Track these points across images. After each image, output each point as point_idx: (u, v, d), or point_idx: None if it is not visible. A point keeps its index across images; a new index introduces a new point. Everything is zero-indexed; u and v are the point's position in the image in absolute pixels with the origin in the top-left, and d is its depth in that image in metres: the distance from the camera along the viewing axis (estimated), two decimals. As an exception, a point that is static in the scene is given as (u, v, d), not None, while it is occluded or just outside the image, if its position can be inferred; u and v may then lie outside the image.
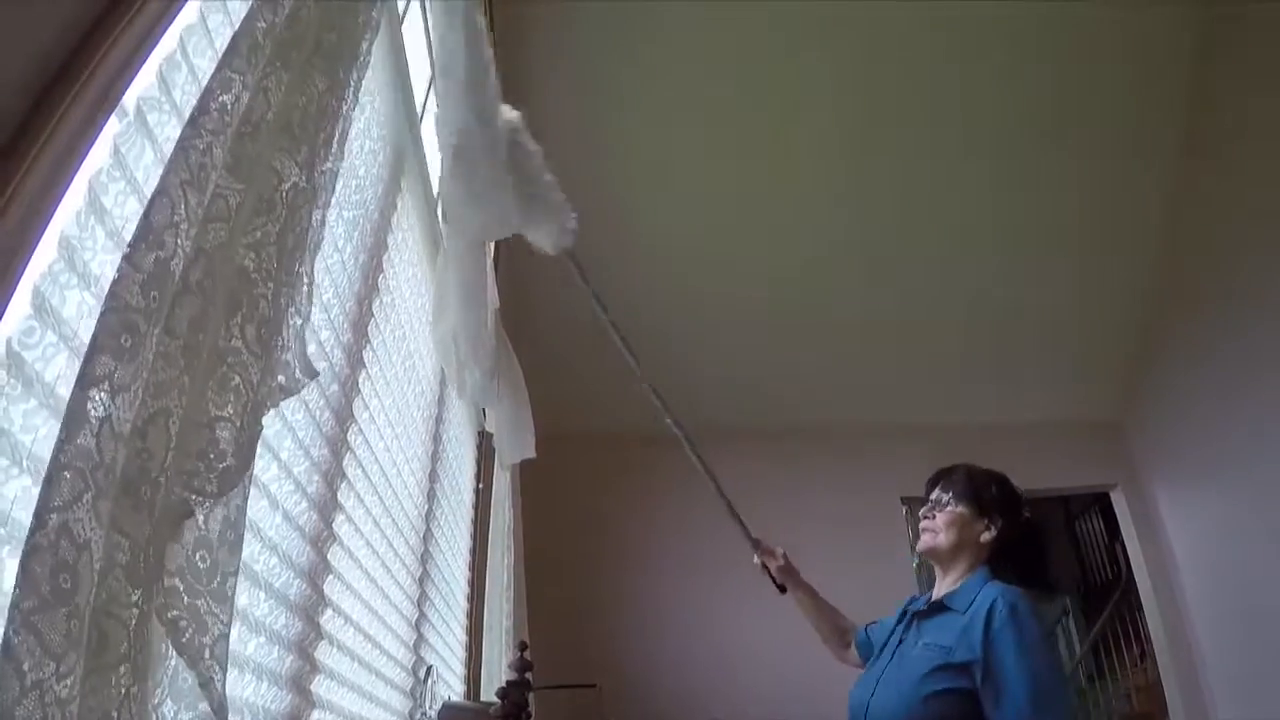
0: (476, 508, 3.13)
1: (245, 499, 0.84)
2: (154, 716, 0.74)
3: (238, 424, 0.79)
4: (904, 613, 2.21)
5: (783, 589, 2.62)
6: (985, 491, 2.11)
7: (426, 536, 2.30)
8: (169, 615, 0.74)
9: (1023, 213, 5.07)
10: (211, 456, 0.76)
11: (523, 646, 2.21)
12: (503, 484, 2.82)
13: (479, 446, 3.24)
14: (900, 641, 2.11)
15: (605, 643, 4.41)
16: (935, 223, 5.03)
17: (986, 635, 1.83)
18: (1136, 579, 6.04)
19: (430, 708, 0.91)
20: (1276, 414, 4.90)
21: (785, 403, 5.57)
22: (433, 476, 2.38)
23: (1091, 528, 9.87)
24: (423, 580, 2.24)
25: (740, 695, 4.57)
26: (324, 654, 1.50)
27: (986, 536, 2.08)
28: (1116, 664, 8.28)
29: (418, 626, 2.17)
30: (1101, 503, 8.51)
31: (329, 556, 1.50)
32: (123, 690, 0.64)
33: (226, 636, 0.78)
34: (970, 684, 1.84)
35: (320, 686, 1.49)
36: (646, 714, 4.45)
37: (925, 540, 2.14)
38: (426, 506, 2.31)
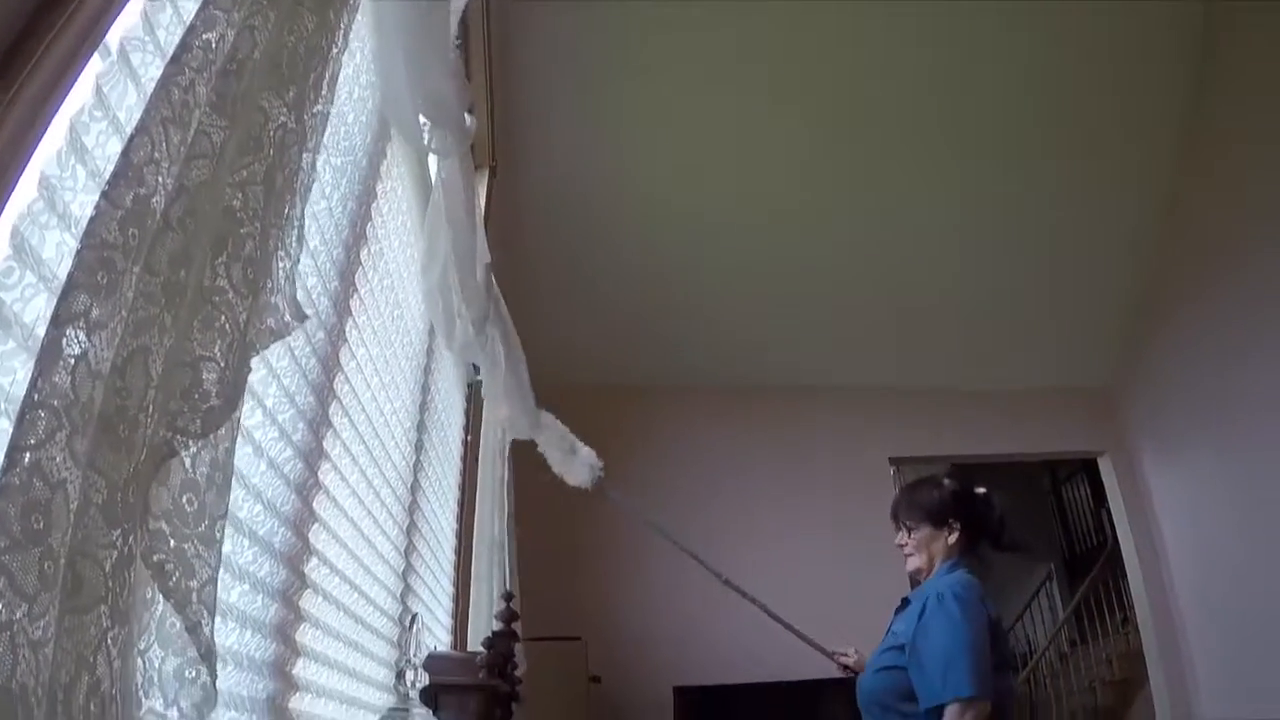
0: (465, 460, 3.13)
1: (234, 442, 0.83)
2: (140, 661, 0.74)
3: (223, 364, 0.78)
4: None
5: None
6: (934, 505, 2.44)
7: (414, 487, 2.29)
8: (155, 559, 0.73)
9: (1021, 180, 5.04)
10: (196, 396, 0.75)
11: (508, 597, 2.21)
12: (492, 437, 2.81)
13: (468, 399, 3.23)
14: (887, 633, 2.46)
15: (591, 597, 4.44)
16: (931, 188, 5.00)
17: (919, 621, 2.20)
18: (1121, 546, 6.10)
19: (415, 655, 0.90)
20: (1268, 387, 4.91)
21: (776, 363, 5.58)
22: (421, 427, 2.38)
23: (1077, 494, 9.95)
24: (410, 531, 2.24)
25: (724, 650, 4.61)
26: (309, 603, 1.50)
27: (954, 539, 2.40)
28: (1099, 630, 8.39)
29: (405, 577, 2.17)
30: (1088, 469, 8.58)
31: (314, 505, 1.50)
32: (101, 632, 0.63)
33: (214, 581, 0.78)
34: (905, 662, 2.21)
35: (306, 636, 1.49)
36: (631, 667, 4.49)
37: (910, 564, 2.47)
38: (414, 457, 2.31)
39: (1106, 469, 6.14)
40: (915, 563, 2.44)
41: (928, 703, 2.12)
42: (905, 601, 2.45)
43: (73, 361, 0.64)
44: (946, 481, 2.51)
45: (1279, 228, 4.78)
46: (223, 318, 0.80)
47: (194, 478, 0.76)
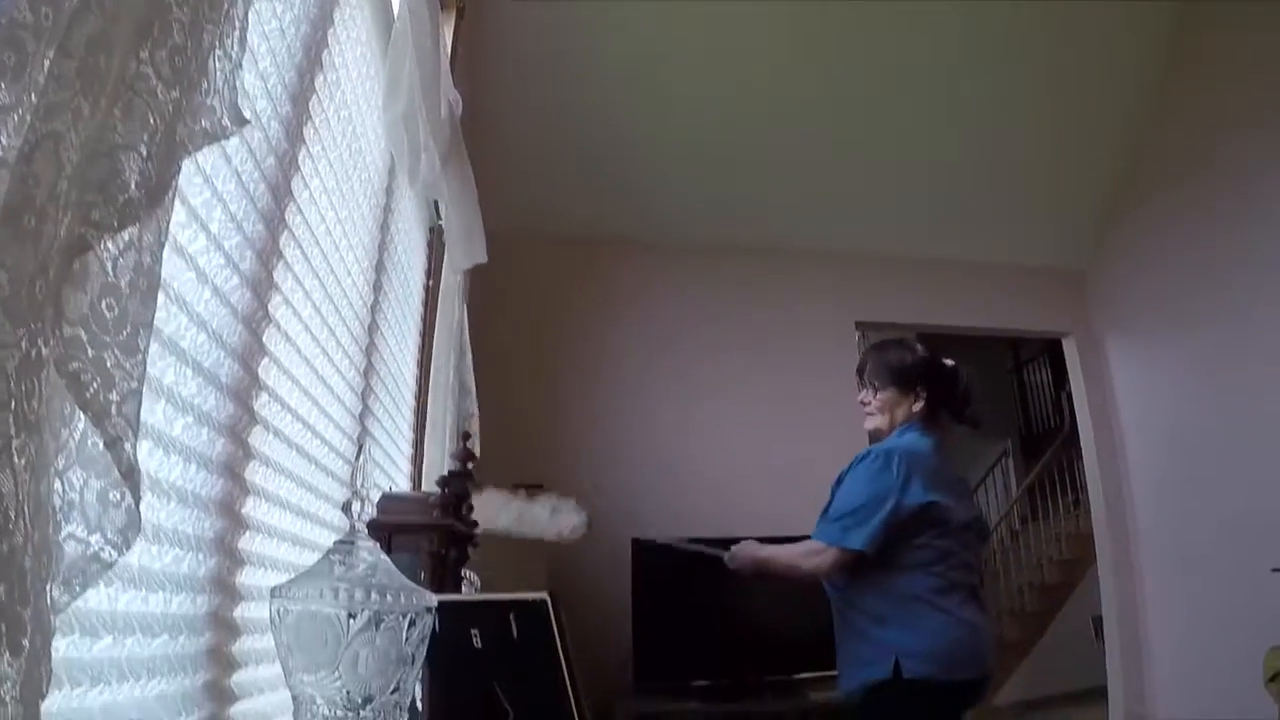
0: (426, 304, 3.06)
1: (160, 246, 0.76)
2: (59, 483, 0.68)
3: (144, 154, 0.69)
4: None
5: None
6: (903, 369, 2.46)
7: (372, 329, 2.22)
8: (70, 367, 0.66)
9: (1004, 52, 4.90)
10: (113, 188, 0.67)
11: (465, 437, 2.19)
12: (452, 281, 2.74)
13: (430, 243, 3.14)
14: None
15: (549, 447, 4.45)
16: (911, 53, 4.84)
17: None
18: (1079, 429, 6.21)
19: (362, 486, 0.86)
20: (1237, 279, 4.95)
21: (743, 224, 5.48)
22: (379, 268, 2.29)
23: (1039, 377, 10.11)
24: (367, 373, 2.18)
25: (684, 504, 4.66)
26: (260, 441, 1.45)
27: (918, 406, 2.44)
28: (1050, 510, 8.65)
29: (361, 420, 2.14)
30: (1051, 354, 8.70)
31: (264, 339, 1.43)
32: (4, 441, 0.57)
33: (138, 394, 0.71)
34: None
35: (256, 474, 1.44)
36: (591, 513, 4.55)
37: (868, 423, 2.52)
38: (373, 298, 2.23)
39: (1070, 351, 6.20)
40: (875, 422, 2.48)
41: (819, 538, 2.25)
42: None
43: (-27, 149, 0.57)
44: (919, 348, 2.52)
45: (1260, 119, 4.78)
46: (145, 106, 0.72)
47: (114, 282, 0.69)
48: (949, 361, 2.57)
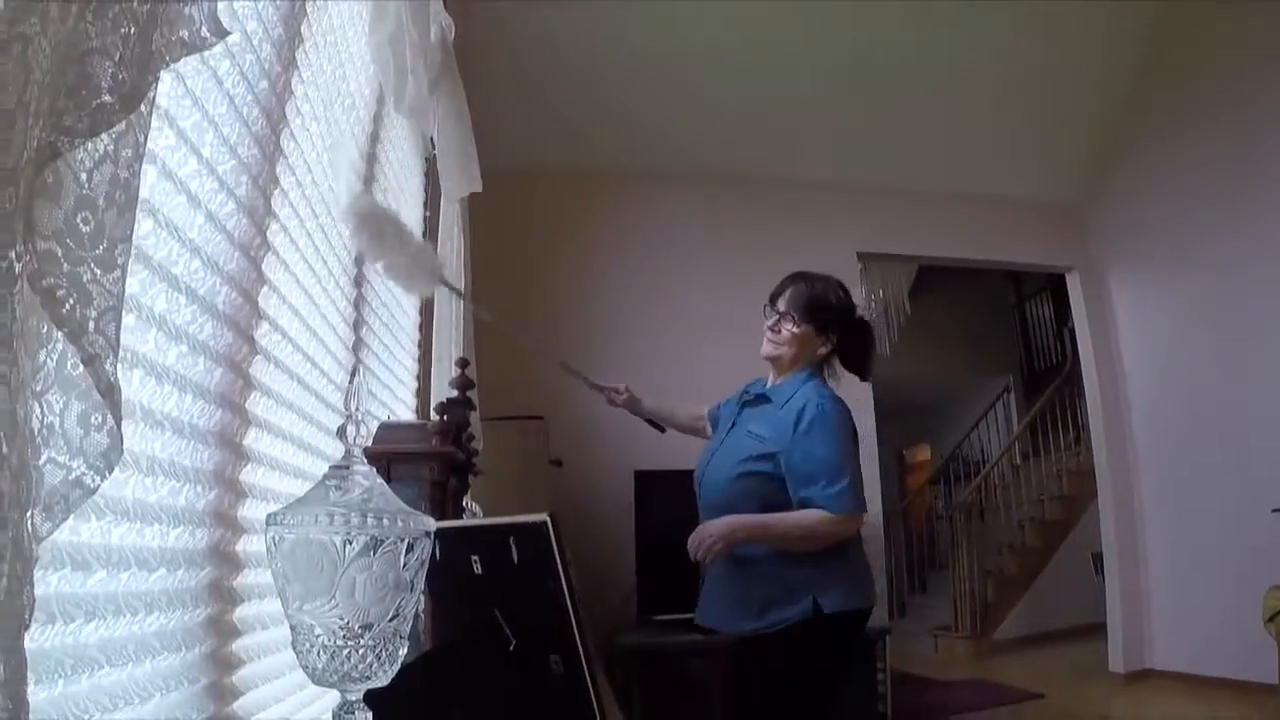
0: (424, 235, 3.01)
1: (138, 160, 0.72)
2: (36, 405, 0.65)
3: (117, 59, 0.65)
4: (741, 397, 2.53)
5: (661, 429, 2.91)
6: (826, 311, 2.37)
7: (360, 259, 2.18)
8: (44, 283, 0.63)
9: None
10: (84, 93, 0.63)
11: (463, 364, 2.16)
12: (450, 211, 2.69)
13: (426, 173, 3.08)
14: (732, 425, 2.45)
15: (553, 377, 4.42)
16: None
17: (796, 429, 2.21)
18: (1081, 366, 6.20)
19: (358, 409, 0.84)
20: (1240, 217, 4.91)
21: (744, 155, 5.41)
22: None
23: (1040, 313, 10.06)
24: (358, 303, 2.16)
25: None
26: (260, 370, 1.43)
27: (824, 350, 2.39)
28: (1050, 446, 8.67)
29: (355, 350, 2.11)
30: (1054, 287, 8.65)
31: (264, 268, 1.40)
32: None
33: (117, 311, 0.68)
34: (774, 469, 2.23)
35: (257, 405, 1.42)
36: (592, 450, 4.55)
37: (768, 349, 2.41)
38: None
39: (1074, 285, 6.15)
40: (777, 352, 2.39)
41: (840, 509, 2.16)
42: (760, 398, 2.42)
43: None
44: (844, 292, 2.44)
45: (1265, 53, 4.68)
46: (120, 12, 0.67)
47: (90, 194, 0.66)
48: (864, 316, 2.52)
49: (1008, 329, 10.54)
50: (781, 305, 2.40)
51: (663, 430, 2.90)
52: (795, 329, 2.35)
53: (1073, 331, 6.38)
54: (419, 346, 2.96)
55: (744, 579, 2.25)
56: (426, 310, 2.93)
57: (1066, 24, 4.97)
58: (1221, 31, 4.95)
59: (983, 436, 10.43)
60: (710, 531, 2.18)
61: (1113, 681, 5.56)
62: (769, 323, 2.41)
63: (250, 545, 1.37)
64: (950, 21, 4.88)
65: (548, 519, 1.04)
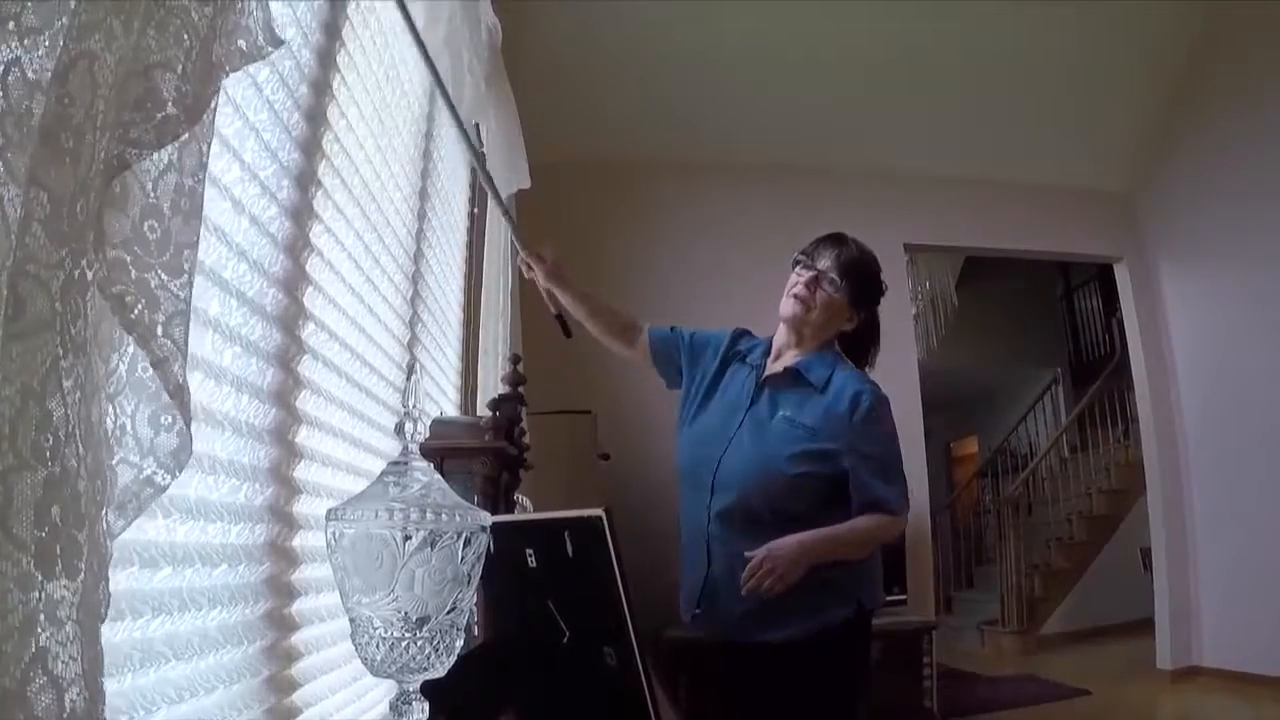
0: (471, 232, 3.03)
1: (201, 169, 0.74)
2: (110, 407, 0.68)
3: (179, 71, 0.67)
4: (743, 361, 2.25)
5: (568, 332, 2.45)
6: (867, 283, 2.14)
7: (417, 256, 2.21)
8: (114, 290, 0.66)
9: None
10: (149, 105, 0.65)
11: (515, 360, 2.17)
12: (497, 205, 2.71)
13: (473, 170, 3.10)
14: (752, 403, 2.13)
15: (601, 371, 4.44)
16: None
17: (850, 424, 1.99)
18: (1130, 357, 6.08)
19: (415, 407, 0.86)
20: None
21: (795, 143, 5.37)
22: (423, 195, 2.27)
23: (1089, 304, 9.89)
24: (414, 301, 2.18)
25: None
26: (309, 369, 1.45)
27: (848, 327, 2.16)
28: (1099, 439, 8.53)
29: (410, 348, 2.14)
30: (1102, 280, 8.50)
31: (307, 267, 1.42)
32: (51, 361, 0.56)
33: (185, 315, 0.71)
34: (832, 470, 1.99)
35: (308, 403, 1.45)
36: (639, 445, 4.54)
37: (795, 308, 2.12)
38: (416, 226, 2.21)
39: (1123, 276, 6.03)
40: (803, 314, 2.11)
41: (893, 505, 2.01)
42: (792, 375, 2.10)
43: (3, 69, 0.55)
44: (885, 283, 2.23)
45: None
46: (178, 21, 0.69)
47: (156, 203, 0.68)
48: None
49: (1056, 320, 10.38)
50: (821, 264, 2.13)
51: (569, 335, 2.44)
52: (835, 293, 2.09)
53: (1121, 323, 6.26)
54: (462, 343, 2.98)
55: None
56: (471, 303, 2.96)
57: (1117, 12, 4.87)
58: (1274, 18, 4.80)
59: (1030, 429, 10.29)
60: (782, 556, 1.88)
61: (1160, 679, 5.47)
62: (803, 279, 2.13)
63: (306, 541, 1.40)
64: (998, 12, 4.81)
65: (603, 514, 1.05)
